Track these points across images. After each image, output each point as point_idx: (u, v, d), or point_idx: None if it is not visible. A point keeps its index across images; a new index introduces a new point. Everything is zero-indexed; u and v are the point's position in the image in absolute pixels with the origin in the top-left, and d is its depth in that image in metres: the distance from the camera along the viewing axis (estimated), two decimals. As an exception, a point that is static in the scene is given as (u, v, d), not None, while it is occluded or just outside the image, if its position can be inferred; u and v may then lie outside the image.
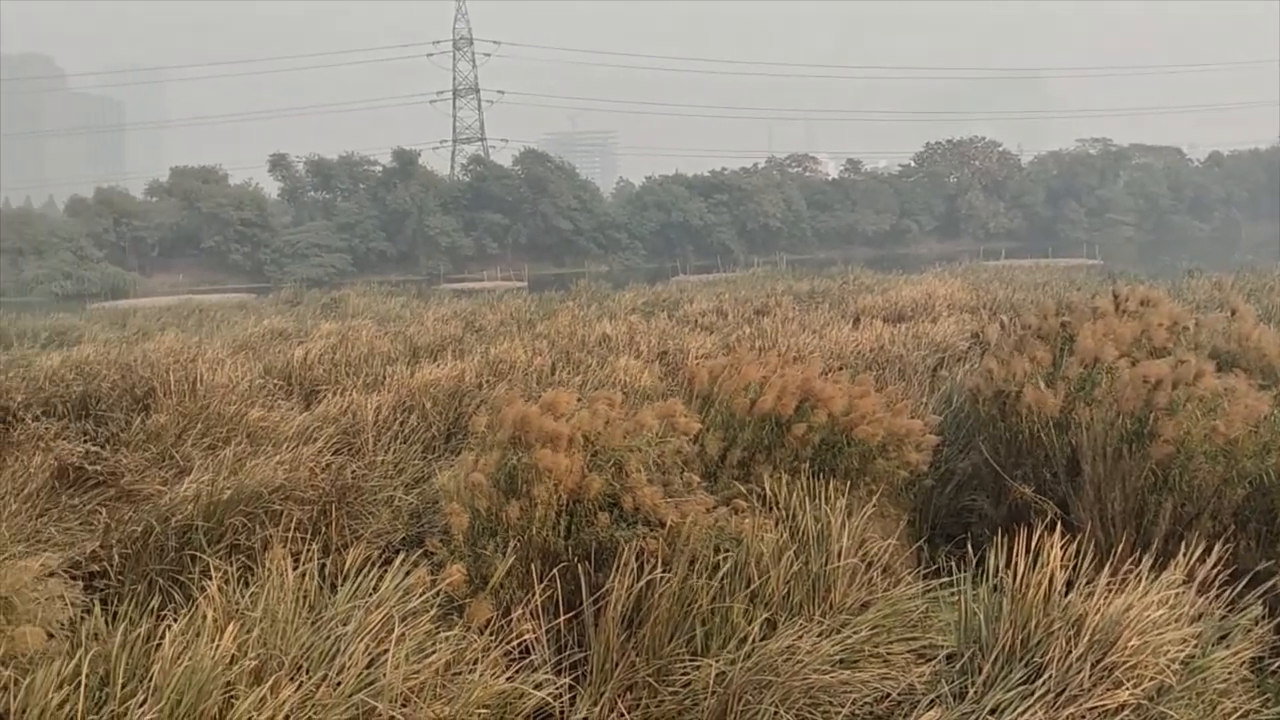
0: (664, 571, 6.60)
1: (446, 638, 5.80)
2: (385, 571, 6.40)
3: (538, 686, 5.85)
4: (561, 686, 6.01)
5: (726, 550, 6.98)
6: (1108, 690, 5.61)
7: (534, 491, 7.04)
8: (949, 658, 6.46)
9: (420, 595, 6.12)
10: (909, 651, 6.59)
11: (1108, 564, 6.49)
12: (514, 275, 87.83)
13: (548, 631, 6.37)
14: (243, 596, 6.01)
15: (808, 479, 8.12)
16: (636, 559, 6.66)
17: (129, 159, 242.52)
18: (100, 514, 8.73)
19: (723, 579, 6.74)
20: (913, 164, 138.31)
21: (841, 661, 6.28)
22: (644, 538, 6.90)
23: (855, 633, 6.53)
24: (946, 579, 7.37)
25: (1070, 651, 5.81)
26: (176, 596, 6.82)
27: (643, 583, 6.50)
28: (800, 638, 6.34)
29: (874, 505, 8.09)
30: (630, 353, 16.08)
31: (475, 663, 5.79)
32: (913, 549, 8.54)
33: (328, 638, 5.56)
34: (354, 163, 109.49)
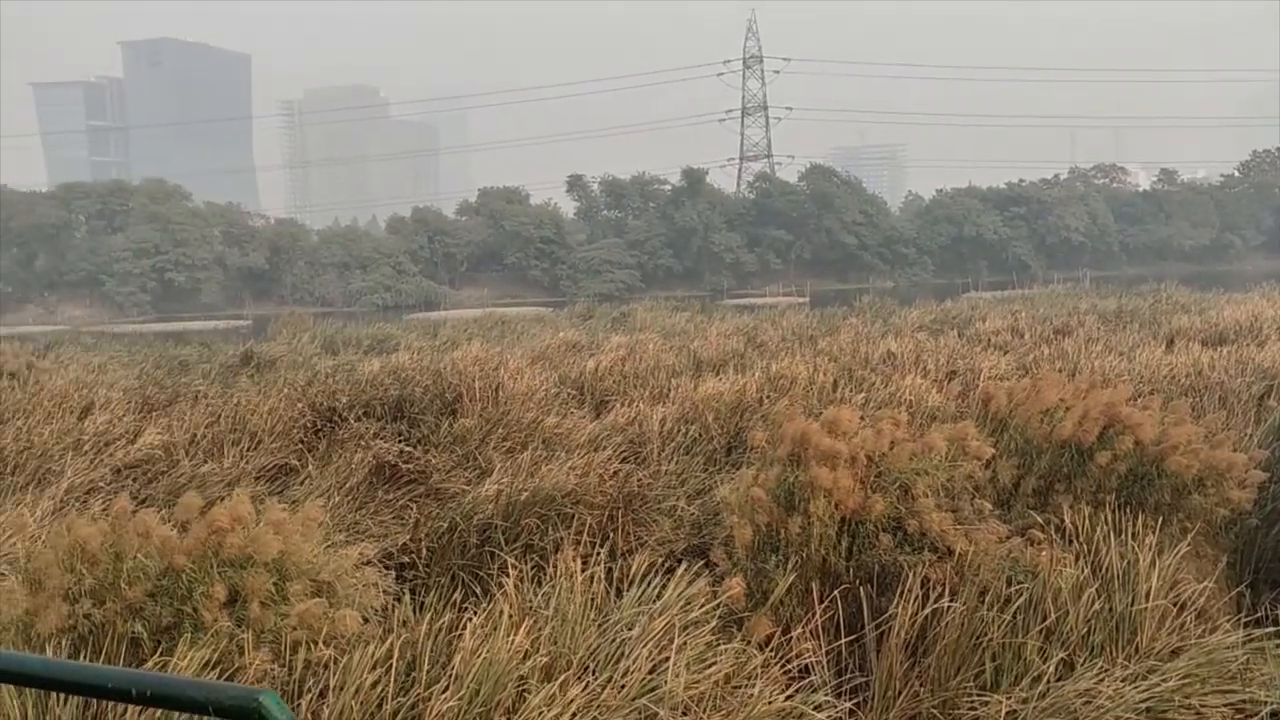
0: (951, 600, 6.35)
1: (726, 650, 5.83)
2: (668, 579, 6.52)
3: (818, 708, 5.77)
4: (842, 710, 5.89)
5: (1020, 583, 6.62)
6: None
7: (811, 509, 6.96)
8: (1273, 715, 5.82)
9: (701, 606, 6.19)
10: (1226, 705, 5.99)
11: None
12: (795, 291, 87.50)
13: (828, 653, 6.28)
14: (535, 595, 6.30)
15: (1112, 512, 7.58)
16: (922, 585, 6.45)
17: (443, 181, 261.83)
18: (411, 509, 9.44)
19: (1015, 613, 6.40)
20: (1236, 174, 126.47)
21: (1148, 710, 5.80)
22: (930, 564, 6.67)
23: (1164, 680, 6.01)
24: (1272, 629, 6.66)
25: None
26: (476, 591, 7.25)
27: (928, 610, 6.28)
28: (1101, 681, 5.92)
29: (1188, 544, 7.44)
30: (917, 371, 15.62)
31: (754, 678, 5.79)
32: (1232, 594, 7.76)
33: (613, 640, 5.73)
34: (645, 182, 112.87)
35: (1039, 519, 7.71)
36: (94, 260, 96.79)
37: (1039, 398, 8.69)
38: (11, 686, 5.12)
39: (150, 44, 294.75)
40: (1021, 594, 6.50)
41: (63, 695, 5.05)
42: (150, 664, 5.31)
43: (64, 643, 5.53)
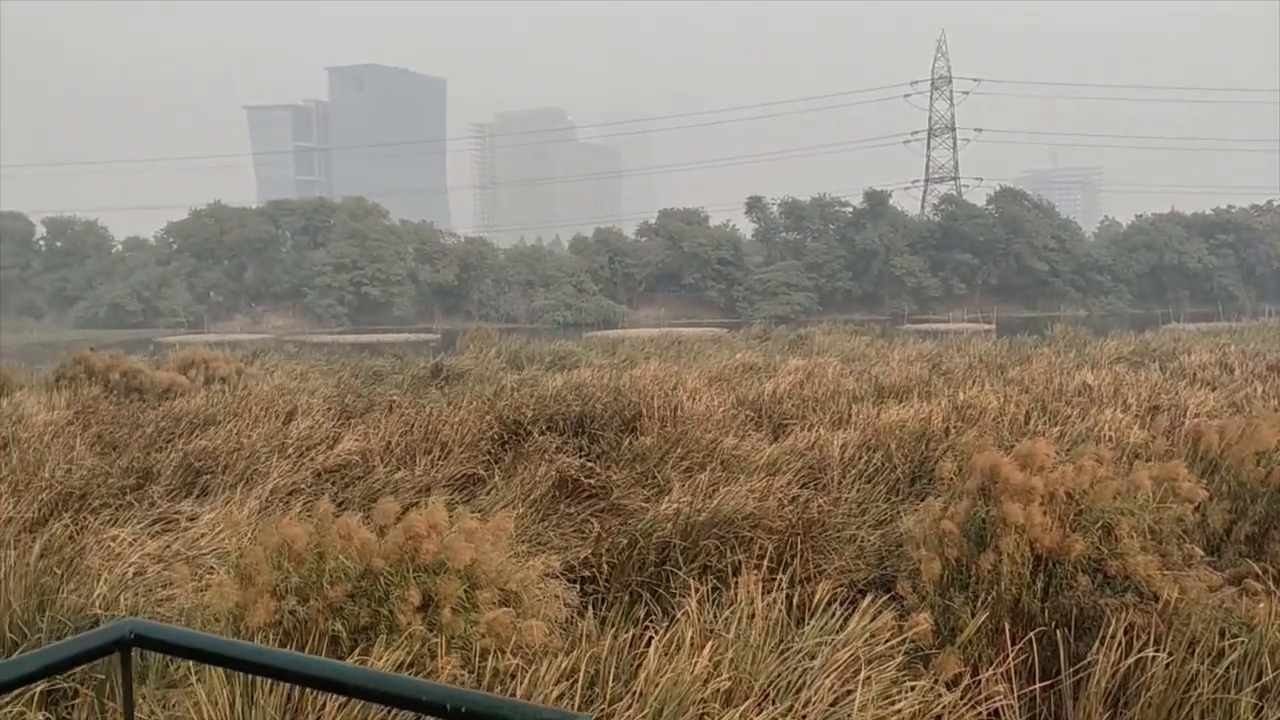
0: (1156, 650, 5.97)
1: (913, 688, 5.65)
2: (849, 610, 6.38)
3: (1008, 754, 5.53)
4: (1034, 759, 5.62)
5: (1234, 635, 6.17)
6: None
7: (1002, 546, 6.70)
8: None
9: (886, 640, 6.03)
10: None
11: None
12: (981, 317, 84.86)
13: (1020, 697, 6.00)
14: (716, 617, 6.27)
15: (1340, 565, 7.00)
16: (1125, 632, 6.09)
17: (624, 202, 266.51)
18: (591, 524, 9.57)
19: (1228, 667, 5.97)
20: None
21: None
22: (1134, 610, 6.30)
23: (1398, 753, 5.49)
24: None
25: None
26: (654, 609, 7.27)
27: (1131, 660, 5.93)
28: (1324, 749, 5.45)
29: None
30: (1115, 405, 14.85)
31: (943, 718, 5.59)
32: None
33: (795, 669, 5.63)
34: (825, 204, 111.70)
35: (1255, 567, 7.20)
36: (297, 274, 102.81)
37: (1254, 438, 8.13)
38: (221, 673, 5.43)
39: (354, 69, 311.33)
40: (1235, 647, 6.06)
41: (268, 684, 5.31)
42: (349, 663, 5.53)
43: (269, 637, 5.84)
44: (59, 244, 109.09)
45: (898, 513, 9.74)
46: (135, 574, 8.24)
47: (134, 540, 9.03)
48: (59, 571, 7.72)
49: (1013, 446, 7.73)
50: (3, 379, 19.30)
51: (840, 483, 10.96)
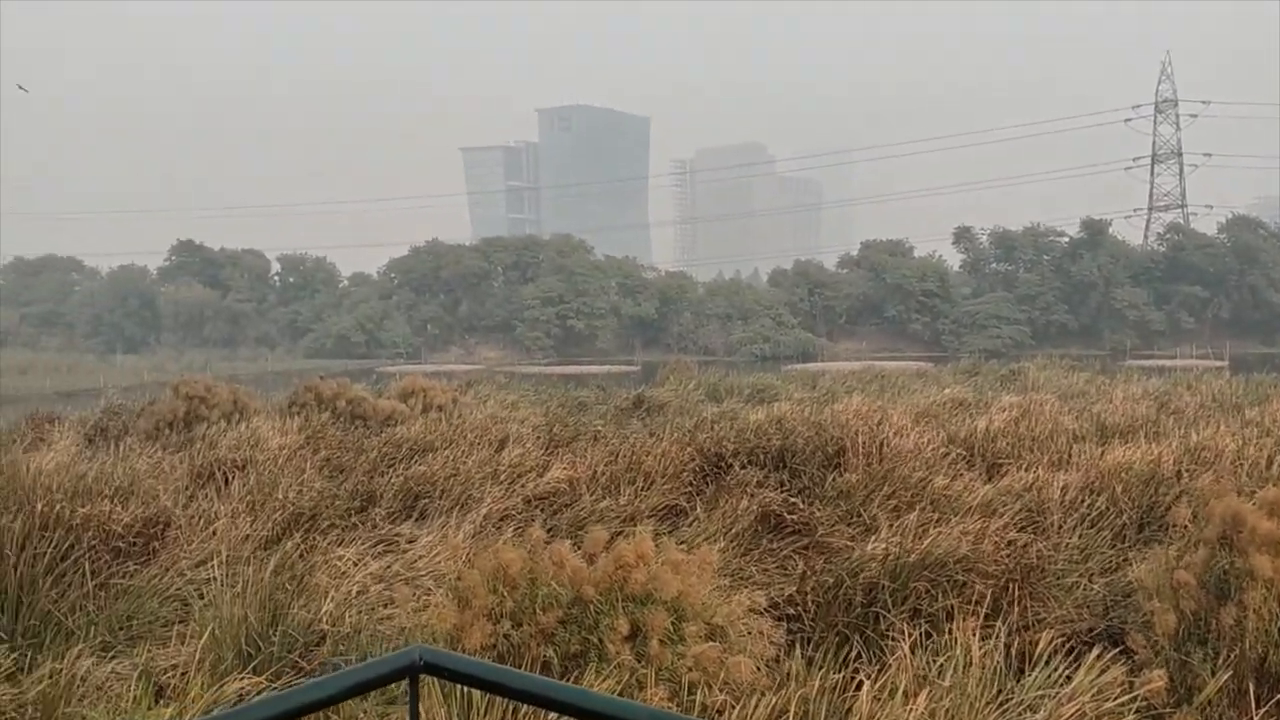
0: None
1: (1148, 750, 5.28)
2: (1073, 662, 6.03)
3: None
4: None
5: None
6: None
7: (1247, 600, 6.19)
8: None
9: (1115, 696, 5.66)
10: None
11: None
12: (1211, 353, 79.34)
13: (1269, 767, 5.51)
14: (929, 664, 6.04)
15: None
16: (1394, 703, 5.51)
17: (824, 234, 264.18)
18: (794, 560, 9.44)
19: None
20: None
21: None
22: (1404, 678, 5.69)
23: None
24: None
25: None
26: (863, 651, 7.08)
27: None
28: None
29: None
30: (1374, 451, 13.54)
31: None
32: None
33: (1015, 723, 5.36)
34: (1039, 234, 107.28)
35: None
36: (507, 307, 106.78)
37: None
38: (439, 693, 5.61)
39: (562, 110, 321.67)
40: None
41: (483, 705, 5.45)
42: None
43: (485, 660, 6.00)
44: (292, 279, 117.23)
45: (1125, 560, 9.18)
46: (358, 592, 8.67)
47: (358, 560, 9.50)
48: (290, 588, 8.19)
49: (1254, 493, 7.16)
50: (241, 405, 20.78)
51: (1061, 527, 10.42)
